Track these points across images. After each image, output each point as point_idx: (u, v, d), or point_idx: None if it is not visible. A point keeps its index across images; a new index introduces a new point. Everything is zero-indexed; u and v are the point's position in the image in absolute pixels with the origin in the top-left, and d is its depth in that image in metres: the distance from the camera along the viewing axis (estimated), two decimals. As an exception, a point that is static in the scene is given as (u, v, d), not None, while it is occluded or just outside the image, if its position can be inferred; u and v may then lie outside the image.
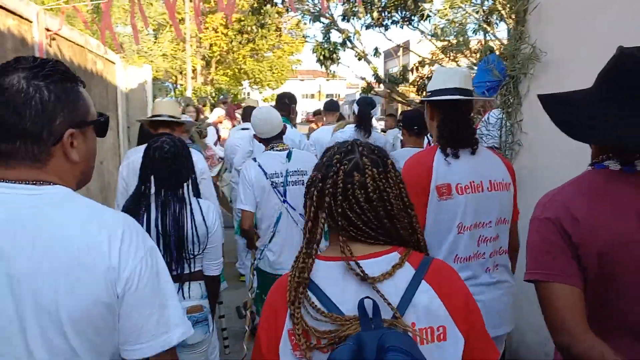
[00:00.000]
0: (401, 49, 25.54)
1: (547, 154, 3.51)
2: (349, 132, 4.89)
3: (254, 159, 3.57)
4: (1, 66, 1.21)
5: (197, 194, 2.76)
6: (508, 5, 4.05)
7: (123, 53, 7.37)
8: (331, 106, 6.36)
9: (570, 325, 1.41)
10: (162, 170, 2.61)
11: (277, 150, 3.55)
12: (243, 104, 9.48)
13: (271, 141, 3.59)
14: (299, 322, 1.24)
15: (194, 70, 25.02)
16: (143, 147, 2.81)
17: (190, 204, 2.64)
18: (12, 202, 1.17)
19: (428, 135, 4.18)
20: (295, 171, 3.49)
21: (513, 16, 3.70)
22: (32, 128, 1.17)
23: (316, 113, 10.28)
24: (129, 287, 1.20)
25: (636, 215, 1.44)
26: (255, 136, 3.70)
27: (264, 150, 3.64)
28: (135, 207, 2.57)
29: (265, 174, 3.44)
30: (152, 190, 2.64)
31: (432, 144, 2.58)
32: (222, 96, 15.93)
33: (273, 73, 29.95)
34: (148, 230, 2.48)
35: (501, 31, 9.63)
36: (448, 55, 9.84)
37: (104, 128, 1.37)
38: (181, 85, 24.08)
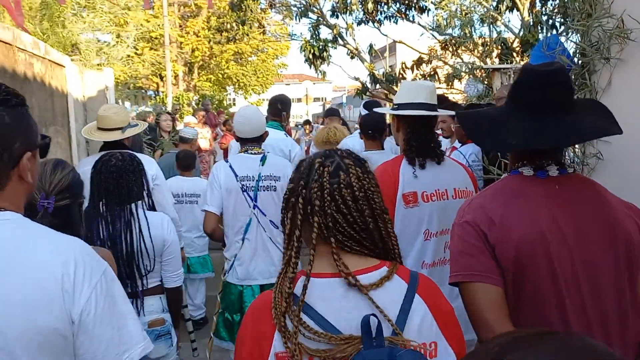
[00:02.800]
0: (388, 49, 24.73)
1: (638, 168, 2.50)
2: (355, 138, 4.52)
3: (226, 160, 3.48)
4: None
5: (152, 207, 2.78)
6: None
7: (79, 55, 6.30)
8: (332, 112, 6.49)
9: (492, 322, 1.46)
10: (109, 185, 2.60)
11: (251, 153, 3.41)
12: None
13: (247, 143, 3.44)
14: (291, 337, 1.21)
15: (175, 77, 24.32)
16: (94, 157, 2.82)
17: (139, 219, 2.62)
18: None
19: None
20: (268, 176, 3.35)
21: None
22: None
23: (306, 123, 9.57)
24: (87, 313, 1.21)
25: (550, 216, 1.53)
26: (234, 135, 3.62)
27: (239, 152, 3.51)
28: (85, 223, 2.48)
29: (236, 175, 3.31)
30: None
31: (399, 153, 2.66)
32: (202, 103, 14.94)
33: (258, 77, 29.54)
34: (98, 246, 2.46)
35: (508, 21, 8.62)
36: (451, 51, 8.85)
37: (46, 149, 1.41)
38: (162, 92, 23.36)
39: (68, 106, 5.49)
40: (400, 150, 2.63)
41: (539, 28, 7.21)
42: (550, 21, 7.08)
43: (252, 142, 3.43)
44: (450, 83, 9.19)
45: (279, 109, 4.46)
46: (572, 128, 1.56)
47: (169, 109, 13.70)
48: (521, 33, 7.70)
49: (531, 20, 7.43)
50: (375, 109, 4.03)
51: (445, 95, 6.50)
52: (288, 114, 4.66)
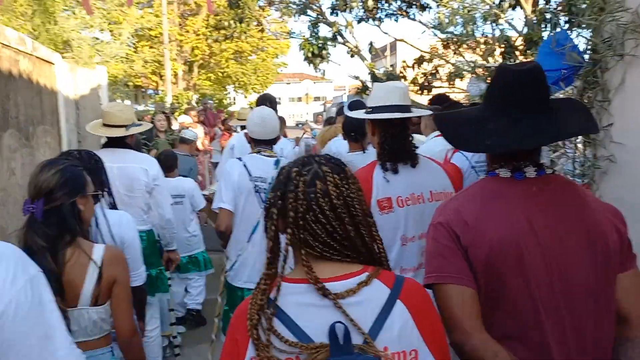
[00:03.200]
0: (388, 48, 24.56)
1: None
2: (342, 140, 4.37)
3: (239, 159, 3.42)
4: None
5: (113, 206, 2.73)
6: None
7: (71, 52, 6.14)
8: (342, 112, 6.05)
9: (462, 322, 1.45)
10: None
11: (264, 155, 3.37)
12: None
13: (260, 144, 3.40)
14: (263, 349, 1.20)
15: (175, 76, 24.21)
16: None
17: (96, 218, 2.48)
18: None
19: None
20: None
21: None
22: None
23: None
24: (5, 320, 1.13)
25: (525, 218, 1.50)
26: (245, 134, 3.55)
27: (250, 152, 3.44)
28: None
29: (250, 174, 3.26)
30: None
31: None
32: (202, 101, 14.80)
33: (258, 76, 29.32)
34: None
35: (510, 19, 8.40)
36: (452, 49, 8.67)
37: None
38: (162, 91, 23.25)
39: (58, 105, 5.32)
40: (377, 155, 2.57)
41: (543, 26, 7.02)
42: (554, 19, 6.90)
43: (265, 144, 3.40)
44: (452, 82, 9.02)
45: (268, 107, 4.32)
46: (549, 128, 1.55)
47: (167, 107, 13.55)
48: (524, 31, 7.53)
49: (534, 17, 7.24)
50: (347, 113, 3.94)
51: (447, 94, 6.32)
52: (276, 112, 4.63)
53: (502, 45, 7.10)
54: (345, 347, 1.18)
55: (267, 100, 4.71)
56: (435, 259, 1.55)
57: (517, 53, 7.29)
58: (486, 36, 8.18)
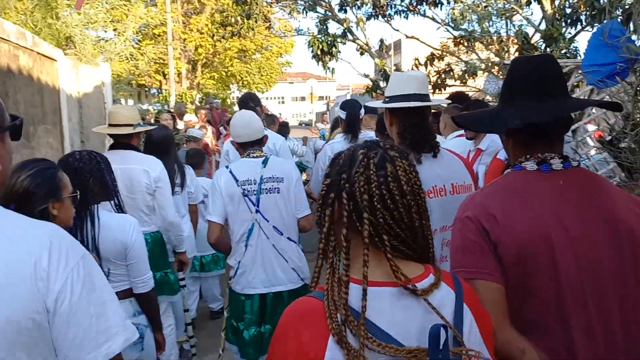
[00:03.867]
0: (393, 47, 24.31)
1: None
2: (340, 142, 4.39)
3: (226, 167, 3.36)
4: None
5: (120, 208, 2.73)
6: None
7: (74, 49, 5.90)
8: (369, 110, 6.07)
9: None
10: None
11: (253, 157, 3.32)
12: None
13: (248, 147, 3.36)
14: (357, 357, 1.11)
15: (178, 74, 24.07)
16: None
17: (98, 223, 2.50)
18: None
19: None
20: (270, 177, 3.24)
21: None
22: None
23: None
24: (62, 300, 1.16)
25: (554, 212, 1.48)
26: (232, 142, 3.52)
27: (240, 157, 3.42)
28: None
29: (237, 180, 3.21)
30: None
31: None
32: (207, 100, 14.57)
33: (262, 75, 29.13)
34: None
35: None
36: (465, 46, 8.42)
37: (19, 131, 1.30)
38: (165, 90, 23.10)
39: (60, 103, 5.09)
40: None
41: (563, 22, 6.78)
42: (575, 14, 6.65)
43: (252, 146, 3.36)
44: (464, 80, 8.78)
45: (252, 106, 4.52)
46: (570, 103, 1.60)
47: (172, 106, 13.35)
48: (542, 27, 7.28)
49: (553, 13, 6.99)
50: (367, 104, 3.92)
51: (466, 93, 6.09)
52: (262, 108, 5.00)
53: (521, 42, 6.85)
54: (444, 352, 1.12)
55: (250, 100, 4.74)
56: (463, 253, 1.52)
57: (535, 50, 7.05)
58: (499, 34, 7.93)
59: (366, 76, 9.18)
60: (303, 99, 62.64)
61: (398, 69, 8.92)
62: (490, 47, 8.00)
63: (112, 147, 3.75)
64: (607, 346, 1.46)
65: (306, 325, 1.17)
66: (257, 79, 28.72)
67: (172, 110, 9.86)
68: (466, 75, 7.75)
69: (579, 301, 1.46)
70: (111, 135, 3.77)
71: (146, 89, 27.72)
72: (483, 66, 7.84)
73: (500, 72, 7.05)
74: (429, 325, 1.14)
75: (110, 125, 3.70)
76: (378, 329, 1.14)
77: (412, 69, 8.63)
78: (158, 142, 4.11)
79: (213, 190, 3.27)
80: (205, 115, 10.22)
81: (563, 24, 6.77)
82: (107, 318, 1.23)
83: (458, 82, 9.06)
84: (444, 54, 9.35)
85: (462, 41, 8.09)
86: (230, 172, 3.26)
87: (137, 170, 3.59)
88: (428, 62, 8.99)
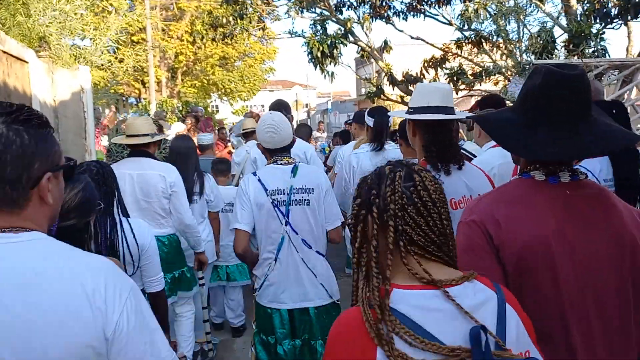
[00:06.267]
0: (382, 50, 23.86)
1: None
2: (365, 152, 4.31)
3: (254, 173, 3.28)
4: None
5: (125, 214, 2.83)
6: None
7: (48, 50, 5.13)
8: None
9: None
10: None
11: (281, 163, 3.21)
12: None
13: (276, 153, 3.25)
14: (392, 348, 1.16)
15: (158, 83, 23.43)
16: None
17: (122, 224, 2.70)
18: None
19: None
20: (300, 188, 3.15)
21: None
22: (12, 172, 1.22)
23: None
24: (120, 330, 1.24)
25: (557, 223, 1.50)
26: (258, 145, 3.41)
27: (267, 163, 3.34)
28: None
29: (266, 190, 3.12)
30: None
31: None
32: (190, 108, 13.91)
33: (245, 83, 28.51)
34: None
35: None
36: (477, 47, 7.82)
37: (72, 172, 1.44)
38: (145, 99, 22.43)
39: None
40: (418, 157, 2.58)
41: (592, 18, 6.19)
42: (606, 9, 6.08)
43: (281, 152, 3.24)
44: (471, 85, 8.20)
45: (284, 114, 4.18)
46: (605, 137, 1.55)
47: (152, 115, 12.69)
48: (564, 23, 6.70)
49: (579, 8, 6.41)
50: (391, 113, 3.90)
51: (499, 95, 5.47)
52: (292, 117, 4.75)
53: (548, 40, 6.23)
54: (487, 354, 1.15)
55: (283, 107, 4.49)
56: (467, 254, 1.51)
57: (560, 49, 6.46)
58: (508, 38, 7.32)
59: (367, 80, 8.53)
60: (284, 107, 62.01)
61: (409, 73, 8.30)
62: (505, 47, 7.40)
63: (129, 155, 4.01)
64: (607, 354, 1.48)
65: (351, 339, 1.21)
66: (240, 87, 28.24)
67: (153, 117, 9.23)
68: (483, 77, 7.13)
69: (579, 310, 1.48)
70: (129, 145, 4.02)
71: (124, 97, 26.98)
72: (499, 68, 7.24)
73: (520, 75, 6.46)
74: (466, 328, 1.17)
75: (128, 135, 3.93)
76: (419, 327, 1.17)
77: (421, 72, 8.01)
78: (178, 152, 4.38)
79: (240, 198, 3.17)
80: (192, 124, 9.70)
81: (592, 20, 6.19)
82: (157, 344, 1.32)
83: (463, 87, 8.48)
84: (448, 55, 8.78)
85: (474, 41, 7.47)
86: (259, 180, 3.15)
87: (153, 175, 3.80)
88: (426, 64, 8.38)
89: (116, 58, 12.39)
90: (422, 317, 1.19)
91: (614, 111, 2.81)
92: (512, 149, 1.67)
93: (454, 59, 8.81)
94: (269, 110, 4.57)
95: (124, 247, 2.66)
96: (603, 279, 1.50)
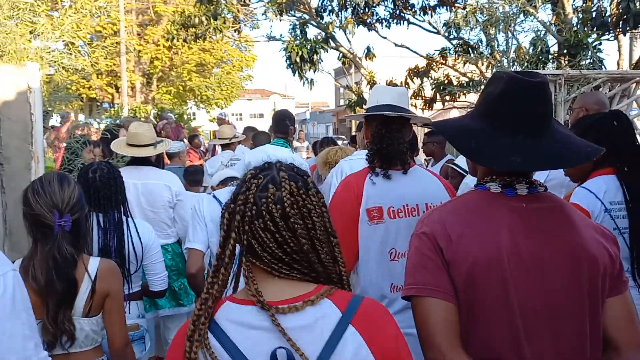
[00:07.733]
0: (353, 66, 23.60)
1: None
2: (360, 160, 3.75)
3: (209, 192, 3.49)
4: None
5: (127, 215, 2.91)
6: None
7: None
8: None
9: (439, 341, 1.41)
10: (104, 192, 2.75)
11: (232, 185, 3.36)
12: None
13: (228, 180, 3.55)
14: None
15: (132, 88, 22.77)
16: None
17: (127, 224, 2.80)
18: None
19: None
20: None
21: None
22: None
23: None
24: None
25: (510, 238, 1.46)
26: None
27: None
28: None
29: (220, 203, 3.05)
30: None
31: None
32: (161, 115, 13.36)
33: (222, 90, 27.96)
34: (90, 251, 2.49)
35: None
36: (467, 56, 7.41)
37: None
38: (117, 104, 21.73)
39: (-39, 113, 3.75)
40: (367, 159, 2.51)
41: (587, 27, 5.82)
42: (602, 19, 5.71)
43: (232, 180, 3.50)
44: (456, 96, 7.81)
45: (287, 125, 4.29)
46: (569, 148, 1.53)
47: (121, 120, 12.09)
48: (556, 31, 6.33)
49: (574, 18, 6.04)
50: (346, 116, 3.73)
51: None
52: (294, 128, 4.54)
53: (538, 51, 5.83)
54: None
55: (287, 118, 4.34)
56: (417, 270, 1.49)
57: (554, 58, 6.08)
58: (498, 48, 6.94)
59: (349, 89, 8.08)
60: (262, 115, 61.97)
61: (393, 82, 7.93)
62: (493, 57, 7.02)
63: (129, 163, 4.00)
64: None
65: (176, 349, 1.23)
66: (217, 94, 27.69)
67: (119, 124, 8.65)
68: (470, 87, 6.73)
69: (531, 327, 1.43)
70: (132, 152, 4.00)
71: (98, 103, 26.22)
72: (485, 79, 6.84)
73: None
74: (277, 347, 1.16)
75: (130, 145, 3.89)
76: (233, 346, 1.17)
77: (406, 82, 7.59)
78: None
79: (194, 218, 3.16)
80: (162, 130, 9.21)
81: (588, 30, 5.81)
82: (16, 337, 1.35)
83: (448, 98, 8.09)
84: (433, 66, 8.39)
85: (462, 49, 7.06)
86: (214, 197, 3.19)
87: (158, 185, 3.83)
88: (411, 73, 7.97)
89: (84, 60, 11.80)
90: (238, 333, 1.19)
91: (615, 122, 2.61)
92: (474, 157, 1.61)
93: (438, 69, 8.42)
94: (272, 119, 4.55)
95: (129, 245, 2.76)
96: (558, 297, 1.46)
